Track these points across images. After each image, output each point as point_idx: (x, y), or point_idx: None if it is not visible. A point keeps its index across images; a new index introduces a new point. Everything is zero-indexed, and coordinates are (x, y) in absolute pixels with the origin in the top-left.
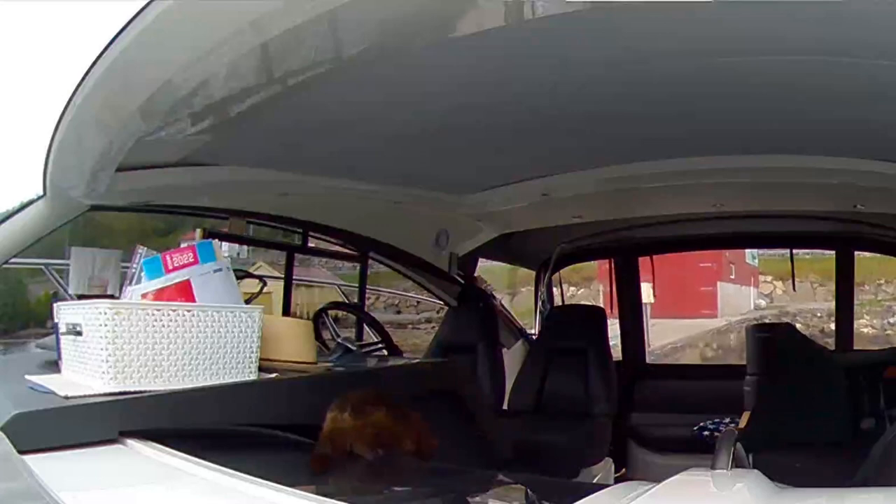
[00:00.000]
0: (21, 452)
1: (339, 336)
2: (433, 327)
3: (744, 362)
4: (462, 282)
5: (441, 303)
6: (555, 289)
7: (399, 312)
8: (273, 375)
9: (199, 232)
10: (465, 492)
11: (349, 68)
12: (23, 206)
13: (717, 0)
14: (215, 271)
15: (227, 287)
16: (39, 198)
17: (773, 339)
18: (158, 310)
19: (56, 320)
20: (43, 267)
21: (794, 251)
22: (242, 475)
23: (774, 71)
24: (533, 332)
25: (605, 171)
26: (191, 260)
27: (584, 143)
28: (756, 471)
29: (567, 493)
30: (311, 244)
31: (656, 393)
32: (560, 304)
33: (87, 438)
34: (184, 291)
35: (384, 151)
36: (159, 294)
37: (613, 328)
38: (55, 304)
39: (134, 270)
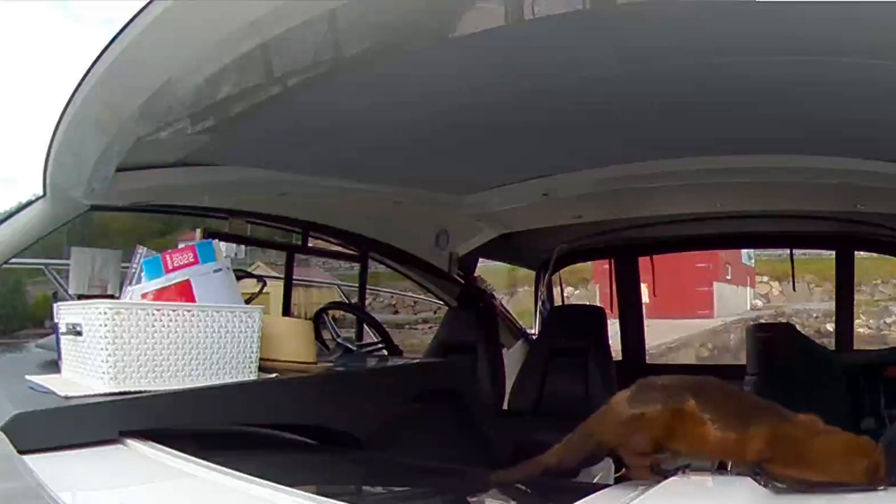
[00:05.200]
0: (21, 452)
1: (339, 336)
2: (430, 328)
3: (740, 362)
4: (462, 282)
5: (439, 303)
6: (554, 289)
7: (396, 313)
8: (273, 375)
9: (199, 232)
10: (466, 492)
11: (349, 68)
12: (23, 206)
13: (717, 0)
14: (215, 271)
15: (227, 287)
16: (39, 198)
17: (773, 339)
18: (158, 310)
19: (56, 320)
20: (43, 267)
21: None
22: (242, 475)
23: (774, 71)
24: (533, 332)
25: (605, 171)
26: (191, 260)
27: (584, 143)
28: (756, 471)
29: (567, 493)
30: (310, 244)
31: None
32: (560, 304)
33: (87, 438)
34: (184, 291)
35: (384, 151)
36: (159, 294)
37: (612, 328)
38: (55, 304)
39: (134, 270)
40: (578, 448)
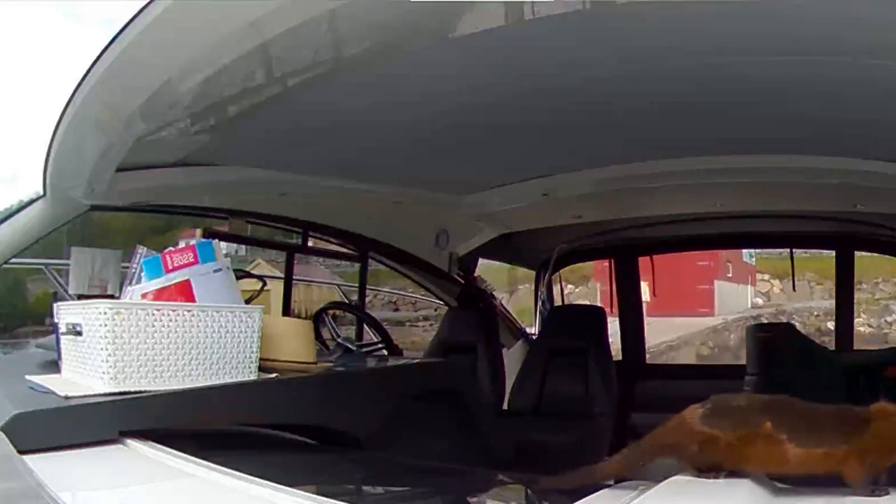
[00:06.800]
0: (21, 452)
1: (339, 336)
2: (431, 325)
3: (741, 361)
4: (462, 282)
5: (439, 302)
6: (554, 288)
7: (397, 310)
8: (273, 375)
9: (199, 232)
10: (466, 492)
11: (349, 68)
12: (23, 206)
13: (717, 0)
14: (215, 271)
15: (227, 287)
16: (39, 198)
17: (773, 339)
18: (158, 310)
19: (56, 320)
20: (43, 267)
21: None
22: (242, 475)
23: (774, 71)
24: (533, 331)
25: (605, 171)
26: (191, 260)
27: (584, 143)
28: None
29: (567, 494)
30: (311, 244)
31: (656, 393)
32: (560, 303)
33: (87, 438)
34: (184, 291)
35: (384, 151)
36: (159, 294)
37: (611, 327)
38: (55, 304)
39: (134, 270)
40: (644, 458)
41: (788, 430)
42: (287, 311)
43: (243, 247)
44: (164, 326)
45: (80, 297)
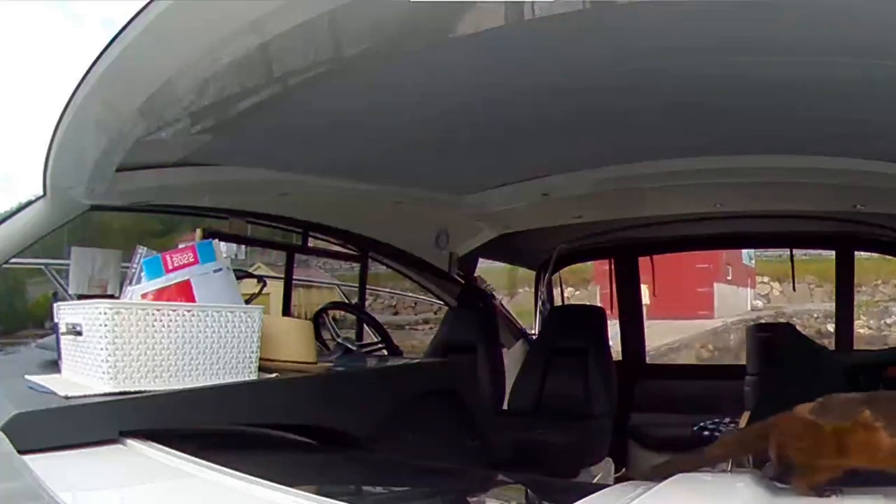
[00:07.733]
0: (21, 452)
1: (339, 336)
2: (431, 328)
3: (741, 362)
4: (462, 282)
5: (439, 303)
6: (554, 289)
7: (397, 314)
8: (273, 375)
9: (199, 232)
10: (466, 492)
11: (349, 68)
12: (23, 206)
13: (717, 0)
14: (215, 271)
15: (227, 287)
16: (39, 198)
17: (773, 339)
18: (158, 310)
19: (56, 320)
20: (43, 267)
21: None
22: (242, 475)
23: (775, 71)
24: (533, 332)
25: (605, 171)
26: (191, 260)
27: (584, 143)
28: (756, 471)
29: (567, 493)
30: (311, 244)
31: (656, 393)
32: (560, 304)
33: (87, 438)
34: (184, 291)
35: (384, 151)
36: (159, 294)
37: (611, 329)
38: (55, 304)
39: (134, 270)
40: (751, 445)
41: (885, 418)
42: (287, 311)
43: (242, 252)
44: (164, 326)
45: (80, 296)
